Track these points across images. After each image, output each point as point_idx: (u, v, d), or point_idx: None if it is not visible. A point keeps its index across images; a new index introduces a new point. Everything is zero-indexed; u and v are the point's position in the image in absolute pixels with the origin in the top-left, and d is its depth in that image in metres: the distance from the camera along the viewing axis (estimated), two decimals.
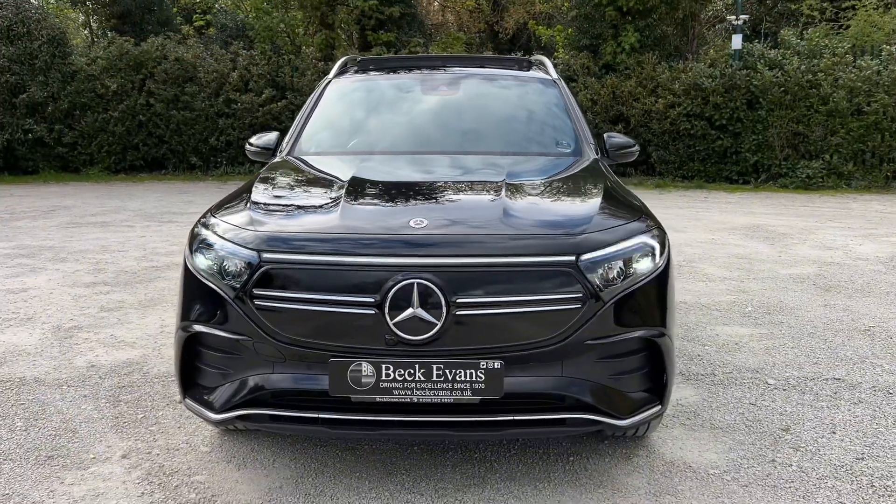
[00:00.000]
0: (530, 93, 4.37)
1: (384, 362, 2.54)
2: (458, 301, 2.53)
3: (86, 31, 16.75)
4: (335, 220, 2.80)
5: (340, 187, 3.12)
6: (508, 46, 24.03)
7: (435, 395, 2.55)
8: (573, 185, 3.27)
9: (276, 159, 3.99)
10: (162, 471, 3.06)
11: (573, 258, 2.62)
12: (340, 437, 3.22)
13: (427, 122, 4.16)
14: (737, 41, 13.99)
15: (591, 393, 2.66)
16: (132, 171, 15.18)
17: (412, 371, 2.54)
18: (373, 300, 2.52)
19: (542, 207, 3.00)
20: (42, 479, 3.00)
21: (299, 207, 3.05)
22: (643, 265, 2.79)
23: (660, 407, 2.83)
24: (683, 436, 3.41)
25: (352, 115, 4.28)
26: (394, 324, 2.52)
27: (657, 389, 2.84)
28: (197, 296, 2.79)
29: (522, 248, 2.63)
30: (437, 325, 2.51)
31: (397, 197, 3.19)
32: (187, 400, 2.85)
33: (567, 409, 2.65)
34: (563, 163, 3.73)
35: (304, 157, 3.93)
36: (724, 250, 7.67)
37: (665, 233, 3.05)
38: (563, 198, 3.20)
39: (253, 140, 4.21)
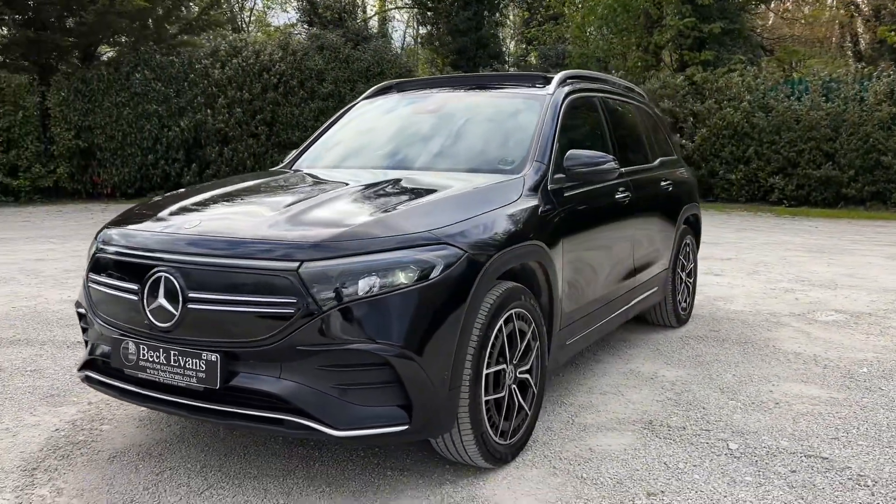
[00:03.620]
0: (509, 109, 4.16)
1: (142, 343, 2.92)
2: (191, 296, 2.80)
3: (431, 69, 19.08)
4: (152, 218, 3.25)
5: (206, 192, 3.55)
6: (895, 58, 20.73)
7: (172, 378, 2.85)
8: (394, 199, 3.19)
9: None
10: (95, 417, 3.76)
11: (295, 265, 2.70)
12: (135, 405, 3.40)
13: (389, 140, 4.27)
14: None
15: (306, 398, 2.70)
16: None
17: (158, 354, 2.88)
18: (136, 288, 2.94)
19: (321, 217, 3.02)
20: (26, 407, 3.92)
21: (161, 208, 3.48)
22: (399, 279, 2.73)
23: (406, 427, 2.73)
24: (531, 477, 3.08)
25: (346, 135, 4.56)
26: (149, 310, 2.89)
27: (409, 409, 2.74)
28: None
29: (253, 252, 2.78)
30: (175, 315, 2.83)
31: (223, 203, 3.47)
32: None
33: (287, 410, 2.73)
34: (468, 179, 3.55)
35: (281, 170, 4.34)
36: None
37: (472, 253, 2.90)
38: (357, 209, 3.15)
39: (288, 158, 4.77)
